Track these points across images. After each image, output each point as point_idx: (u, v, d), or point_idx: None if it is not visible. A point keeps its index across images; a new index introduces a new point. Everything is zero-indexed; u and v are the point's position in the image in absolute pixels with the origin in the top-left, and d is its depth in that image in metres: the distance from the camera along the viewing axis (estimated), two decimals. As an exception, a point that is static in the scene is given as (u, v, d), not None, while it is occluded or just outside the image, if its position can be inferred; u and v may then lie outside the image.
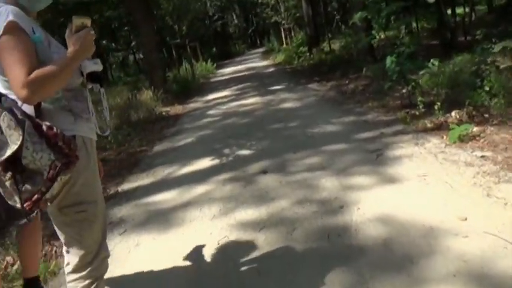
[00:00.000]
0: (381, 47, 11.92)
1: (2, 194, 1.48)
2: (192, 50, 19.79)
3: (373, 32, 5.78)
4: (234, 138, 5.46)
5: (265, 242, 2.60)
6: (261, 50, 32.18)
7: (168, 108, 9.31)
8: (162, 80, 11.57)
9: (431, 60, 6.61)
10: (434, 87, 6.07)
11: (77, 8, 17.09)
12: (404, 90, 6.20)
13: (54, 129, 1.43)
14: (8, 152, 1.34)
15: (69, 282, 1.67)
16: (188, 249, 2.67)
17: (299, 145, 4.58)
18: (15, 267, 2.71)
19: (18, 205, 1.43)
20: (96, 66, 1.70)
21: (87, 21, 1.52)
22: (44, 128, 1.41)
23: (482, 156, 3.39)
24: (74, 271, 1.65)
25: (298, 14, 21.97)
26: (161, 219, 3.25)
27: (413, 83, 5.74)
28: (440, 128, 4.39)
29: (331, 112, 6.13)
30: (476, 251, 2.11)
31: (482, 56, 6.04)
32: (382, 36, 8.39)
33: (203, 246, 2.68)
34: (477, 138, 3.87)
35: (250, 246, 2.58)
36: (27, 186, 1.41)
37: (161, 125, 7.56)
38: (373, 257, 2.23)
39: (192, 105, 9.55)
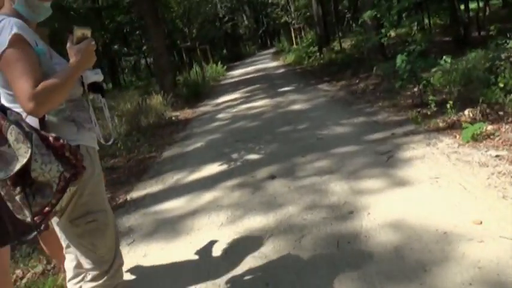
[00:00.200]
0: (392, 45, 11.78)
1: (11, 208, 1.48)
2: (203, 52, 19.83)
3: (383, 30, 5.66)
4: (242, 142, 5.42)
5: (273, 251, 2.54)
6: (271, 50, 32.12)
7: (177, 113, 9.32)
8: (172, 84, 11.59)
9: (444, 57, 6.47)
10: (447, 85, 5.94)
11: (88, 14, 17.32)
12: (415, 89, 6.07)
13: (61, 140, 1.44)
14: (18, 166, 1.33)
15: (79, 285, 1.69)
16: (196, 259, 2.63)
17: (308, 148, 4.51)
18: (25, 280, 2.71)
19: (29, 219, 1.42)
20: (97, 76, 1.72)
21: (88, 32, 1.53)
22: (51, 139, 1.42)
23: (496, 156, 3.28)
24: (92, 280, 1.67)
25: (308, 14, 21.88)
26: (169, 228, 3.22)
27: (424, 82, 5.61)
28: (453, 127, 4.28)
29: (341, 113, 6.04)
30: (492, 257, 2.03)
31: (497, 51, 5.89)
32: (393, 34, 8.27)
33: (211, 255, 2.64)
34: (491, 137, 3.75)
35: (258, 255, 2.52)
36: (38, 199, 1.40)
37: (171, 130, 7.56)
38: (384, 265, 2.15)
39: (201, 109, 9.54)
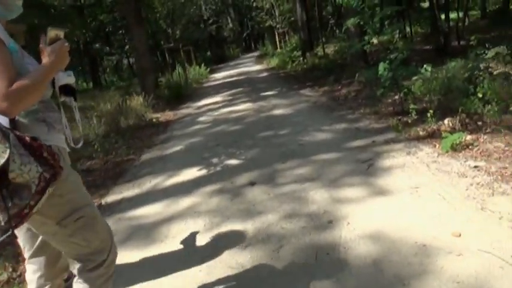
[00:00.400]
0: (374, 52, 11.89)
1: None
2: (186, 54, 19.67)
3: (366, 37, 5.68)
4: (223, 147, 5.34)
5: (250, 261, 2.47)
6: (255, 54, 32.12)
7: (158, 115, 9.17)
8: (153, 85, 11.42)
9: (425, 65, 6.54)
10: (427, 94, 5.99)
11: (71, 12, 16.98)
12: (396, 97, 6.11)
13: (38, 141, 1.42)
14: None
15: (85, 279, 1.68)
16: (169, 269, 2.54)
17: (289, 154, 4.46)
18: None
19: (3, 222, 1.37)
20: (70, 78, 1.70)
21: (61, 33, 1.52)
22: (28, 139, 1.39)
23: (475, 167, 3.30)
24: (91, 270, 1.68)
25: (292, 18, 21.96)
26: (144, 234, 3.11)
27: (405, 90, 5.65)
28: (432, 136, 4.30)
29: (322, 119, 6.02)
30: (470, 271, 2.00)
31: (476, 61, 5.98)
32: (375, 41, 8.33)
33: (185, 265, 2.55)
34: (470, 147, 3.77)
35: (234, 265, 2.45)
36: (15, 201, 1.36)
37: (151, 132, 7.42)
38: (362, 279, 2.11)
39: (183, 111, 9.42)
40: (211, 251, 2.66)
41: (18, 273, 2.73)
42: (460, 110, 4.62)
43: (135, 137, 7.01)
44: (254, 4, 27.32)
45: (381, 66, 5.40)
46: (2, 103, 1.33)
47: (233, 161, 4.65)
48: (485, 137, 3.94)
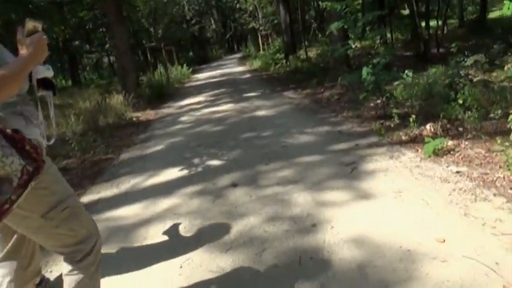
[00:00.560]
0: (357, 56, 12.02)
1: None
2: (168, 53, 19.44)
3: (350, 41, 5.69)
4: (205, 147, 5.25)
5: (232, 265, 2.40)
6: (238, 55, 32.05)
7: (139, 114, 9.00)
8: (134, 84, 11.23)
9: (406, 71, 6.61)
10: (409, 99, 6.05)
11: (50, 8, 16.56)
12: (378, 101, 6.16)
13: (20, 133, 1.39)
14: None
15: (77, 270, 1.66)
16: (148, 273, 2.44)
17: (272, 156, 4.41)
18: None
19: None
20: (48, 72, 1.67)
21: (39, 26, 1.49)
22: (9, 131, 1.36)
23: (457, 172, 3.31)
24: (81, 260, 1.66)
25: (276, 21, 22.03)
26: (121, 236, 3.00)
27: (387, 94, 5.69)
28: (415, 141, 4.32)
29: (305, 121, 6.00)
30: (455, 278, 1.98)
31: (456, 68, 6.07)
32: (358, 45, 8.40)
33: (164, 268, 2.46)
34: (452, 152, 3.80)
35: (215, 269, 2.37)
36: None
37: (130, 131, 7.26)
38: (347, 284, 2.06)
39: (164, 111, 9.27)
40: (191, 254, 2.57)
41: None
42: (441, 116, 4.68)
43: (115, 136, 6.84)
44: (237, 6, 27.30)
45: (364, 71, 5.42)
46: None
47: (215, 162, 4.57)
48: (467, 142, 3.97)
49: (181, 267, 2.44)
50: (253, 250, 2.52)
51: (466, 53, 7.90)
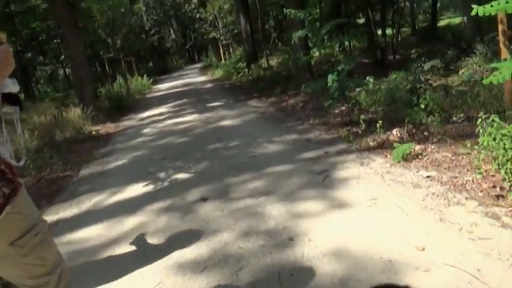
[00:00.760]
0: (318, 64, 12.19)
1: None
2: (127, 64, 18.95)
3: (313, 49, 5.72)
4: (170, 160, 5.05)
5: (207, 287, 2.24)
6: (198, 65, 31.79)
7: (98, 127, 8.63)
8: (92, 96, 10.80)
9: (368, 77, 6.73)
10: (372, 105, 6.13)
11: (0, 19, 15.72)
12: (343, 108, 6.20)
13: None
14: None
15: None
16: (115, 300, 2.25)
17: (241, 167, 4.29)
18: None
19: None
20: (15, 86, 1.55)
21: (3, 36, 1.41)
22: None
23: (428, 177, 3.33)
24: None
25: (236, 31, 22.07)
26: (84, 261, 2.77)
27: (353, 101, 5.73)
28: (383, 147, 4.34)
29: (272, 130, 5.93)
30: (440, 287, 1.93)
31: (416, 74, 6.23)
32: (317, 53, 8.50)
33: (133, 295, 2.27)
34: (420, 157, 3.84)
35: (189, 292, 2.21)
36: None
37: (90, 146, 6.92)
38: (330, 301, 1.97)
39: (125, 123, 8.94)
40: (161, 277, 2.40)
41: None
42: (406, 121, 4.75)
43: (73, 151, 6.49)
44: (197, 16, 27.17)
45: (330, 78, 5.44)
46: None
47: (182, 175, 4.39)
48: (433, 146, 4.03)
49: (152, 292, 2.27)
50: (229, 269, 2.38)
51: (422, 59, 8.20)
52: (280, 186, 3.58)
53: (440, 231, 2.42)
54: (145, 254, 2.74)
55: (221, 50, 22.74)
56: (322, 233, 2.63)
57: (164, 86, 17.89)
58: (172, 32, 39.93)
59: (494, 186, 2.94)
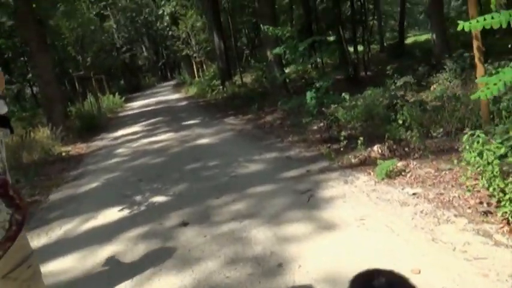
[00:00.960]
0: (292, 81, 12.26)
1: None
2: (98, 82, 18.53)
3: (290, 66, 5.70)
4: (146, 182, 4.84)
5: (192, 323, 2.08)
6: (172, 82, 31.53)
7: (69, 148, 8.28)
8: (62, 116, 10.43)
9: (343, 94, 6.74)
10: (351, 121, 6.12)
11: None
12: (321, 124, 6.16)
13: (2, 176, 1.29)
14: None
15: None
16: None
17: (222, 188, 4.14)
18: None
19: None
20: (3, 108, 1.51)
21: None
22: None
23: (414, 194, 3.28)
24: None
25: (209, 48, 22.05)
26: (55, 298, 2.54)
27: (332, 117, 5.71)
28: (365, 163, 4.30)
29: (251, 148, 5.82)
30: (440, 314, 1.84)
31: (393, 90, 6.29)
32: (299, 69, 8.52)
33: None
34: (403, 173, 3.80)
35: (173, 330, 2.03)
36: None
37: (60, 168, 6.60)
38: (327, 334, 1.84)
39: (97, 143, 8.63)
40: (143, 314, 2.21)
41: None
42: (386, 137, 4.73)
43: (41, 174, 6.16)
44: (170, 33, 27.02)
45: (308, 95, 5.40)
46: None
47: (159, 198, 4.19)
48: (415, 162, 4.01)
49: (132, 332, 2.07)
50: (215, 302, 2.22)
51: (395, 75, 8.34)
52: (264, 207, 3.45)
53: (434, 252, 2.35)
54: (123, 286, 2.53)
55: (194, 67, 22.61)
56: (312, 257, 2.51)
57: (137, 104, 17.57)
58: (144, 49, 39.60)
59: (481, 202, 2.92)
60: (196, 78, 21.36)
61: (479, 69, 4.09)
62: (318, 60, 16.02)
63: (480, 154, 2.79)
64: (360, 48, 16.96)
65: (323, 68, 16.31)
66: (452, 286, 2.01)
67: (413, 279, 1.98)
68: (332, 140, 5.41)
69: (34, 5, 10.80)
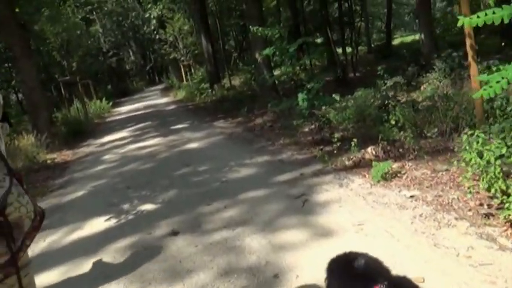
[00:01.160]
0: (281, 83, 12.17)
1: None
2: (85, 87, 18.23)
3: (280, 68, 5.60)
4: (134, 189, 4.68)
5: None
6: (160, 86, 31.24)
7: (54, 155, 8.06)
8: (47, 122, 10.18)
9: (333, 95, 6.66)
10: (342, 122, 6.03)
11: None
12: (313, 126, 6.06)
13: (18, 171, 1.24)
14: None
15: None
16: None
17: (213, 194, 4.00)
18: None
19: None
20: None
21: None
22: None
23: (411, 197, 3.18)
24: None
25: (197, 51, 21.89)
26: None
27: (324, 119, 5.62)
28: (359, 166, 4.20)
29: (242, 152, 5.69)
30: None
31: (384, 90, 6.22)
32: (279, 72, 8.42)
33: None
34: (399, 175, 3.71)
35: None
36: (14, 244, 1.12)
37: (45, 176, 6.39)
38: None
39: (84, 150, 8.42)
40: (131, 333, 2.06)
41: None
42: (379, 138, 4.64)
43: (25, 183, 5.93)
44: (157, 37, 26.79)
45: (300, 97, 5.30)
46: None
47: (148, 206, 4.03)
48: (410, 164, 3.92)
49: None
50: (209, 317, 2.08)
51: (384, 76, 8.30)
52: (257, 214, 3.32)
53: (437, 258, 2.25)
54: (110, 303, 2.38)
55: (182, 70, 22.42)
56: (310, 266, 2.39)
57: (125, 109, 17.32)
58: (131, 53, 39.23)
59: (481, 204, 2.84)
60: (185, 81, 21.18)
61: (473, 67, 4.03)
62: (307, 62, 16.04)
63: (479, 154, 2.71)
64: (348, 49, 17.00)
65: (311, 69, 16.29)
66: (459, 295, 1.90)
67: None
68: (324, 142, 5.31)
69: (17, 9, 10.57)
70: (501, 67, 2.27)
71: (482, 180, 2.62)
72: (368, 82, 8.43)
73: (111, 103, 18.99)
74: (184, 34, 22.63)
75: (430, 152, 4.14)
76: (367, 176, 3.82)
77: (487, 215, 2.66)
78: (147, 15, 26.13)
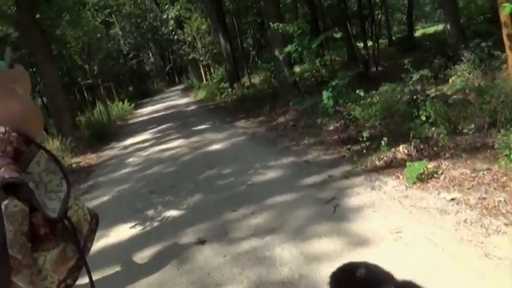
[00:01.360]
0: (302, 79, 11.96)
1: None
2: (107, 90, 18.45)
3: (306, 64, 5.42)
4: (158, 194, 4.60)
5: None
6: (180, 87, 31.39)
7: (79, 159, 8.10)
8: (71, 126, 10.29)
9: (357, 91, 6.43)
10: (369, 119, 5.81)
11: (-33, 49, 15.10)
12: (338, 124, 5.85)
13: None
14: (58, 205, 0.71)
15: None
16: None
17: (239, 199, 3.87)
18: None
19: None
20: None
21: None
22: None
23: (452, 199, 2.97)
24: None
25: (215, 50, 21.83)
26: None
27: (351, 117, 5.41)
28: (391, 166, 3.99)
29: (266, 153, 5.54)
30: None
31: (413, 85, 5.97)
32: (299, 69, 8.22)
33: None
34: (436, 176, 3.49)
35: None
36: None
37: (70, 181, 6.26)
38: None
39: (108, 153, 8.44)
40: None
41: None
42: (411, 135, 4.41)
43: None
44: (175, 37, 26.91)
45: (325, 95, 5.11)
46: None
47: (173, 212, 3.94)
48: (447, 163, 3.69)
49: None
50: (242, 338, 1.95)
51: (410, 69, 8.00)
52: (286, 220, 3.17)
53: (491, 271, 2.05)
54: (137, 320, 2.28)
55: (202, 70, 22.42)
56: (348, 280, 2.22)
57: (146, 110, 17.42)
58: (151, 54, 39.60)
59: (532, 208, 2.61)
60: (204, 81, 21.17)
61: (510, 57, 3.78)
62: (327, 57, 15.74)
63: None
64: (369, 43, 16.62)
65: (332, 65, 15.99)
66: (520, 315, 1.71)
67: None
68: (351, 141, 5.11)
69: (38, 15, 10.70)
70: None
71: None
72: (392, 76, 8.16)
73: (133, 105, 19.14)
74: (202, 34, 22.61)
75: (468, 149, 3.89)
76: (400, 177, 3.61)
77: (540, 220, 2.44)
78: (164, 16, 26.27)
